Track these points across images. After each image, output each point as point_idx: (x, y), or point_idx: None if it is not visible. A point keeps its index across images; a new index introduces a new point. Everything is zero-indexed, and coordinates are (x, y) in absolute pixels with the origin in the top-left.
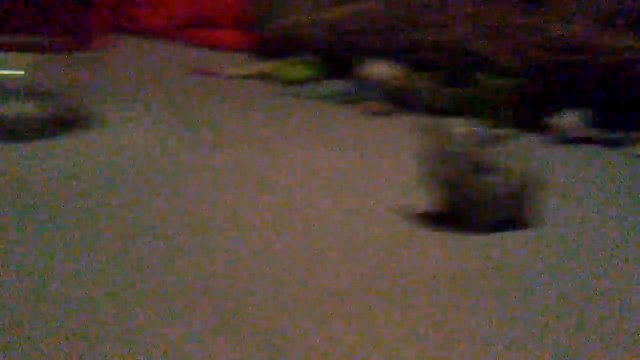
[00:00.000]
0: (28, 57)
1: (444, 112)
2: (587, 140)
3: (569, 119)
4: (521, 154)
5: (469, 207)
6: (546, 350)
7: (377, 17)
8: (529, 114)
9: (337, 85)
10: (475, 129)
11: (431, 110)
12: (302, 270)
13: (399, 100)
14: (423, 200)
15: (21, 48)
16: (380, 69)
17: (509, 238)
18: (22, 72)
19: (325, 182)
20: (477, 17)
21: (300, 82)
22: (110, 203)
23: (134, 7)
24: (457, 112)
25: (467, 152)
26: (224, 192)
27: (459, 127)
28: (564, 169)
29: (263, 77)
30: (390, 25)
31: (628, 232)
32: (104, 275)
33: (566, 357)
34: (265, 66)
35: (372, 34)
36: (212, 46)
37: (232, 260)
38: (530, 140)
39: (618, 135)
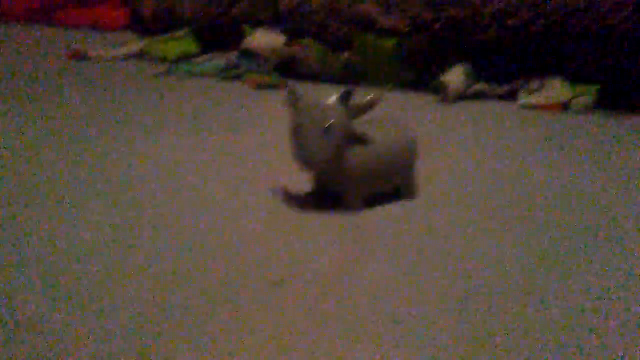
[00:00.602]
0: None
1: (333, 79)
2: (476, 96)
3: (457, 76)
4: (400, 119)
5: (342, 183)
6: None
7: None
8: (416, 74)
9: (219, 59)
10: (345, 96)
11: (320, 78)
12: (183, 267)
13: (286, 71)
14: (301, 180)
15: None
16: (263, 39)
17: (384, 213)
18: None
19: (195, 168)
20: None
21: (179, 59)
22: None
23: None
24: (347, 78)
25: (335, 124)
26: (76, 195)
27: (326, 95)
28: (452, 128)
29: (140, 56)
30: None
31: (514, 191)
32: None
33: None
34: (142, 44)
35: (252, 1)
36: (90, 26)
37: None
38: (417, 101)
39: (505, 87)
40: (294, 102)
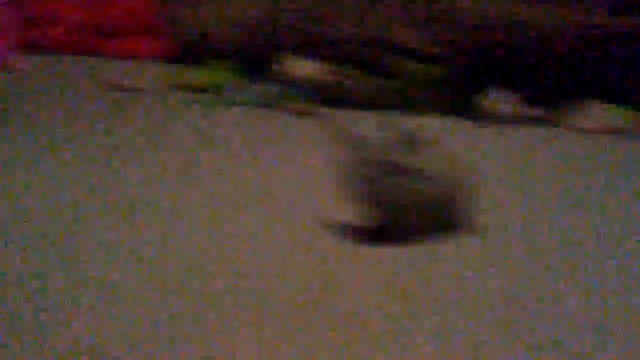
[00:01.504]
0: None
1: (373, 106)
2: (517, 120)
3: (497, 100)
4: (448, 151)
5: (394, 217)
6: None
7: (294, 12)
8: (456, 99)
9: (259, 88)
10: (391, 128)
11: (360, 105)
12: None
13: (326, 98)
14: (348, 213)
15: None
16: (303, 67)
17: (441, 248)
18: None
19: (237, 200)
20: (395, 5)
21: (217, 89)
22: None
23: (32, 21)
24: (387, 105)
25: (382, 157)
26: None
27: (374, 128)
28: (497, 156)
29: (179, 87)
30: (309, 20)
31: (575, 224)
32: None
33: None
34: (180, 75)
35: (291, 30)
36: (127, 56)
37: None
38: (460, 126)
39: (546, 112)
40: (338, 136)
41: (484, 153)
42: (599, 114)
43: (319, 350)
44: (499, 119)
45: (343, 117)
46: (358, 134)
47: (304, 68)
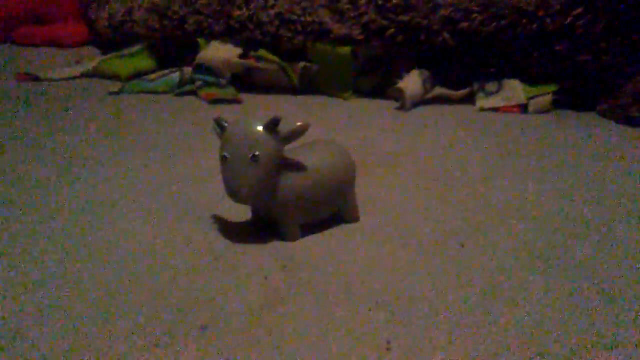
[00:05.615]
0: None
1: (293, 90)
2: (435, 100)
3: (414, 81)
4: (335, 142)
5: (277, 213)
6: None
7: None
8: (373, 81)
9: (174, 75)
10: (271, 124)
11: (279, 89)
12: (107, 305)
13: (242, 83)
14: (242, 209)
15: None
16: (217, 52)
17: (321, 242)
18: None
19: (132, 198)
20: None
21: (133, 76)
22: None
23: None
24: (304, 89)
25: (262, 153)
26: None
27: (252, 124)
28: (407, 137)
29: (95, 75)
30: (222, 4)
31: (467, 211)
32: None
33: None
34: (96, 62)
35: (204, 14)
36: (51, 44)
37: None
38: (375, 108)
39: (463, 91)
40: (220, 133)
41: (395, 134)
42: (515, 92)
43: None
44: (415, 101)
45: (229, 116)
46: (241, 132)
47: (218, 52)
